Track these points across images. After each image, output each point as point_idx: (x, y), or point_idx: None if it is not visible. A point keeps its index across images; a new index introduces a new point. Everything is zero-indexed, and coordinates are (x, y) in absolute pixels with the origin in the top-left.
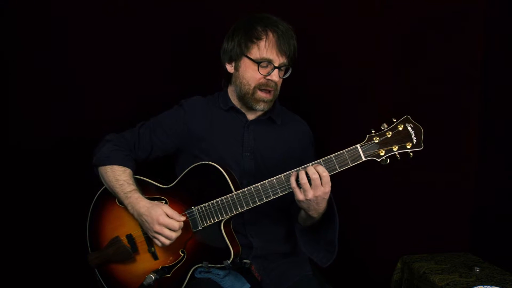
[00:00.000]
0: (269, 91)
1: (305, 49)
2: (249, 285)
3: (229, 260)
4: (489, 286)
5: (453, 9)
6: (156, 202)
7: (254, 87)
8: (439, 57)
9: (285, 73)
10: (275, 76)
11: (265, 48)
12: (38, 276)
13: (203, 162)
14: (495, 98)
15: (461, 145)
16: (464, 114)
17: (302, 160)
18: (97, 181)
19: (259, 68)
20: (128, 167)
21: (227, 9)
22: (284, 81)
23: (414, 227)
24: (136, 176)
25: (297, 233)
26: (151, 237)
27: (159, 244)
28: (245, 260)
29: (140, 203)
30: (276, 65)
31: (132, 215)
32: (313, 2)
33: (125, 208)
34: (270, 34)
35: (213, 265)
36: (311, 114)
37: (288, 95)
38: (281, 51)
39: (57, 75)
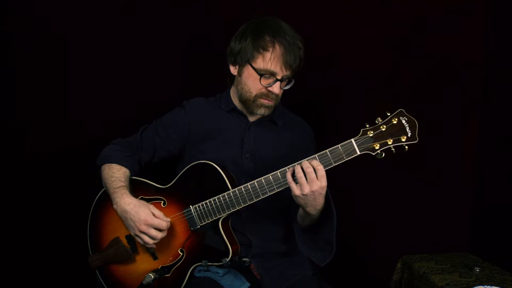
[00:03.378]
0: (271, 100)
1: (304, 48)
2: (248, 284)
3: (227, 258)
4: (489, 286)
5: (453, 9)
6: (142, 201)
7: (255, 95)
8: (439, 57)
9: (287, 84)
10: (276, 88)
11: (270, 61)
12: (39, 279)
13: (200, 161)
14: (495, 98)
15: (461, 144)
16: (464, 114)
17: None
18: (98, 183)
19: (261, 79)
20: (126, 167)
21: (229, 10)
22: None
23: (414, 227)
24: (134, 178)
25: (295, 232)
26: (133, 235)
27: (142, 243)
28: (244, 259)
29: (126, 199)
30: (279, 77)
31: (114, 210)
32: (313, 2)
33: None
34: (277, 46)
35: (212, 264)
36: (311, 114)
37: (287, 95)
38: (285, 64)
39: (59, 77)
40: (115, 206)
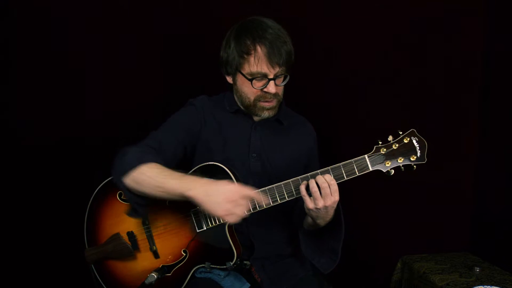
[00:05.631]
0: (271, 100)
1: (304, 49)
2: (248, 285)
3: (232, 262)
4: (489, 286)
5: (453, 9)
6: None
7: (254, 100)
8: (439, 57)
9: (283, 80)
10: (272, 88)
11: (255, 64)
12: (33, 270)
13: (210, 162)
14: (495, 98)
15: (461, 145)
16: (464, 114)
17: (308, 161)
18: (98, 178)
19: (253, 82)
20: (158, 162)
21: (229, 10)
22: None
23: (414, 227)
24: None
25: (301, 237)
26: (220, 214)
27: (233, 218)
28: (245, 262)
29: (200, 180)
30: (271, 77)
31: (190, 197)
32: (313, 2)
33: (182, 195)
34: (259, 48)
35: (215, 266)
36: (310, 115)
37: (287, 96)
38: (271, 63)
39: (58, 74)
40: (190, 193)
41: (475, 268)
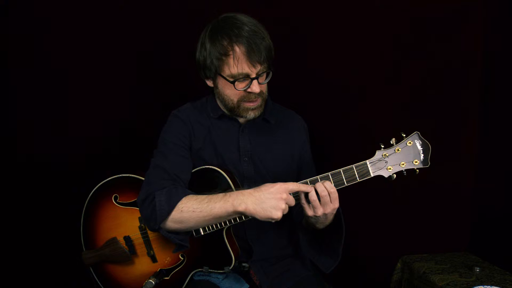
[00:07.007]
0: (256, 100)
1: (304, 49)
2: (247, 286)
3: (230, 266)
4: (489, 286)
5: (453, 9)
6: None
7: (238, 101)
8: (439, 57)
9: (266, 78)
10: (255, 87)
11: (235, 65)
12: (32, 271)
13: (205, 166)
14: (495, 98)
15: (461, 145)
16: (464, 114)
17: (301, 157)
18: (94, 179)
19: (236, 84)
20: (187, 193)
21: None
22: (282, 81)
23: (414, 227)
24: (136, 176)
25: (301, 236)
26: (278, 216)
27: (286, 211)
28: (243, 264)
29: (243, 193)
30: (253, 76)
31: (242, 212)
32: (313, 2)
33: (234, 213)
34: (237, 48)
35: (213, 270)
36: (310, 115)
37: (284, 95)
38: (252, 61)
39: (57, 81)
40: (240, 208)
41: (475, 268)
